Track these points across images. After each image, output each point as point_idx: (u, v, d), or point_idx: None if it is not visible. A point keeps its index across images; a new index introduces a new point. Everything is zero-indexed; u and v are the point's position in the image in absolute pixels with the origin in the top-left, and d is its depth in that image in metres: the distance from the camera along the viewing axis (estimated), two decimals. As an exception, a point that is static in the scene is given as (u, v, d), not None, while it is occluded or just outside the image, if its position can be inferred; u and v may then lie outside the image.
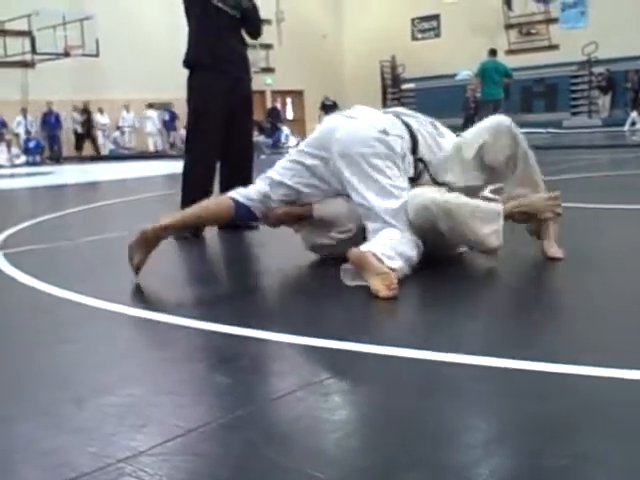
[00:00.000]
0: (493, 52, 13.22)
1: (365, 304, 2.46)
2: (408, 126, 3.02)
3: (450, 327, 2.15)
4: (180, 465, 1.34)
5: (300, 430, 1.48)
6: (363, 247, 2.62)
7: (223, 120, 4.27)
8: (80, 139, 21.63)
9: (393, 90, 27.52)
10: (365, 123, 2.96)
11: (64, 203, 8.00)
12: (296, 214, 3.09)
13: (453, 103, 20.75)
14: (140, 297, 2.78)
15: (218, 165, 4.42)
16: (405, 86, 26.96)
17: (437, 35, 27.10)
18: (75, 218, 6.08)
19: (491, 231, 2.79)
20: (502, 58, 23.88)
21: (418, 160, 2.99)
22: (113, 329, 2.37)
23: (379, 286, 2.45)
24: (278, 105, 24.88)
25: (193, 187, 4.24)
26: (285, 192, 3.05)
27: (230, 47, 4.33)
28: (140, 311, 2.47)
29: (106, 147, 22.32)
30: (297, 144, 19.17)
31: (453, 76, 22.80)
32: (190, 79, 4.38)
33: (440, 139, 3.08)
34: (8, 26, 19.42)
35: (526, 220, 2.98)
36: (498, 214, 2.81)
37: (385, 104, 27.13)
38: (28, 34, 19.19)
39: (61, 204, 7.82)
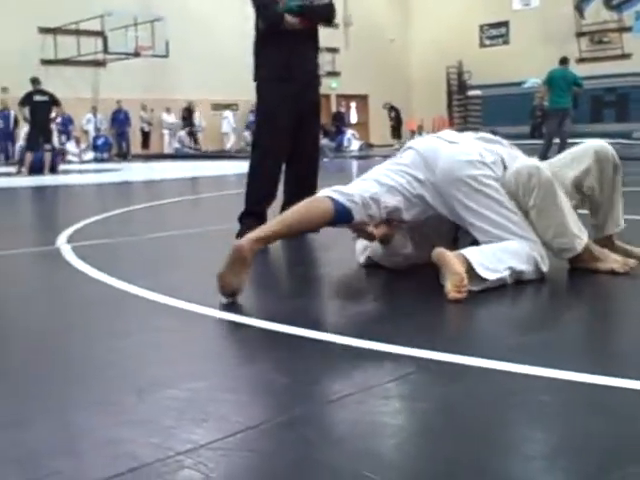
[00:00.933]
0: (565, 61, 12.98)
1: (431, 310, 2.44)
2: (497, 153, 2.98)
3: (515, 338, 2.12)
4: (238, 461, 1.35)
5: (358, 432, 1.47)
6: (464, 250, 2.63)
7: (291, 123, 4.30)
8: (147, 137, 22.05)
9: (459, 96, 27.26)
10: (468, 147, 2.90)
11: (131, 199, 8.16)
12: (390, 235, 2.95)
13: (520, 111, 20.47)
14: (204, 295, 2.81)
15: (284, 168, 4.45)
16: (471, 93, 26.68)
17: (506, 42, 26.76)
18: (141, 214, 6.19)
19: (579, 234, 2.76)
20: (573, 66, 23.40)
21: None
22: (177, 325, 2.40)
23: (449, 287, 2.46)
24: (342, 109, 24.94)
25: (257, 186, 4.30)
26: (395, 200, 2.82)
27: (300, 53, 4.34)
28: (204, 308, 2.49)
29: (172, 146, 22.70)
30: (360, 148, 18.94)
31: (521, 84, 22.49)
32: (258, 85, 4.43)
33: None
34: (82, 26, 19.93)
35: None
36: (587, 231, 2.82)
37: (450, 110, 26.94)
38: (101, 34, 19.65)
39: (128, 200, 7.99)
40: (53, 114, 13.78)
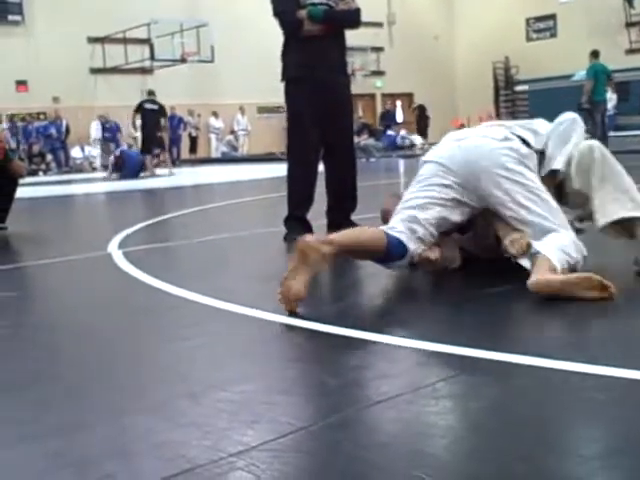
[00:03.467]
0: (597, 54, 12.93)
1: (477, 308, 2.42)
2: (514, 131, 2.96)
3: (566, 335, 2.09)
4: (290, 462, 1.36)
5: (408, 433, 1.47)
6: (545, 256, 2.53)
7: (318, 123, 4.31)
8: (194, 142, 22.29)
9: (506, 92, 26.96)
10: (482, 139, 2.87)
11: (179, 204, 8.26)
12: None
13: (568, 105, 20.11)
14: (255, 298, 2.83)
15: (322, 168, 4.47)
16: (518, 88, 26.36)
17: (553, 35, 26.37)
18: (190, 218, 6.27)
19: (621, 209, 2.72)
20: (622, 58, 23.07)
21: (538, 152, 2.91)
22: (228, 328, 2.43)
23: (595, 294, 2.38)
24: (389, 107, 24.83)
25: (294, 190, 4.35)
26: (435, 212, 2.79)
27: (323, 53, 4.33)
28: (254, 311, 2.51)
29: (219, 150, 22.92)
30: (423, 146, 18.44)
31: (569, 77, 22.13)
32: (285, 87, 4.46)
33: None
34: (129, 35, 20.27)
35: None
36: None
37: (497, 106, 26.64)
38: (147, 42, 19.96)
39: (176, 205, 8.09)
40: (162, 122, 15.36)
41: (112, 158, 15.46)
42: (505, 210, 2.75)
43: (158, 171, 15.22)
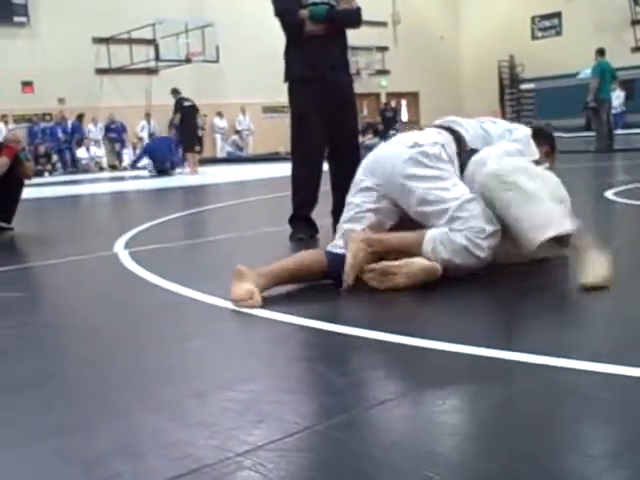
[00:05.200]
0: (603, 52, 12.87)
1: (485, 308, 2.41)
2: (452, 130, 3.05)
3: (573, 333, 2.09)
4: (297, 461, 1.36)
5: (416, 432, 1.47)
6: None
7: (322, 122, 4.30)
8: (200, 142, 22.29)
9: (511, 90, 26.92)
10: (395, 147, 2.98)
11: (186, 204, 8.27)
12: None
13: (574, 103, 20.06)
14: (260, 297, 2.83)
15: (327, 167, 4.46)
16: (524, 86, 26.30)
17: (558, 33, 26.29)
18: (197, 218, 6.27)
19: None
20: (628, 56, 23.00)
21: (472, 151, 3.01)
22: (234, 328, 2.43)
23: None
24: (393, 105, 24.80)
25: (301, 188, 4.35)
26: (366, 221, 2.93)
27: (325, 51, 4.33)
28: (261, 311, 2.51)
29: (224, 150, 22.92)
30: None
31: (575, 75, 22.08)
32: (289, 87, 4.46)
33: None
34: (134, 35, 20.28)
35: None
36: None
37: (503, 105, 26.60)
38: (152, 42, 19.97)
39: (183, 205, 8.09)
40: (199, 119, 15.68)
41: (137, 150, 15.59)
42: (411, 212, 2.88)
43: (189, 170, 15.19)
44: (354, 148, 4.52)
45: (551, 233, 2.62)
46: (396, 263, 2.69)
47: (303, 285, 2.81)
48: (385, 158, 2.97)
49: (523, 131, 3.16)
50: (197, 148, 15.64)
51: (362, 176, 3.04)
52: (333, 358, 2.02)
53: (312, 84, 4.30)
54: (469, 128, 3.10)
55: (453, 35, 28.42)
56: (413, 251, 2.74)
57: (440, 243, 2.70)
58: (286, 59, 4.45)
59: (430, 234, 2.74)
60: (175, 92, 15.60)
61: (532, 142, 3.11)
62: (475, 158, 2.96)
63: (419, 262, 2.69)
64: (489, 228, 2.69)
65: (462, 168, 2.97)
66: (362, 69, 23.01)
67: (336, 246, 2.88)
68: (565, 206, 2.82)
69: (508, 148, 3.03)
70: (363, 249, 2.73)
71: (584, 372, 1.71)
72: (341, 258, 2.75)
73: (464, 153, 2.99)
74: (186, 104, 15.15)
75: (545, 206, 2.69)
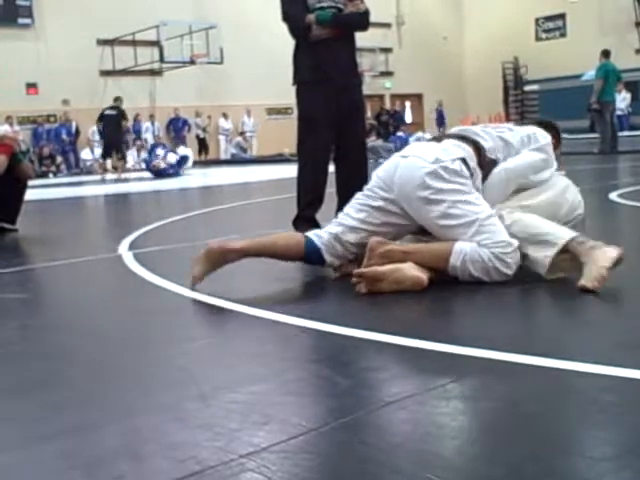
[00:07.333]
0: (608, 53, 12.83)
1: (488, 310, 2.41)
2: (471, 141, 2.99)
3: (575, 335, 2.08)
4: (301, 463, 1.36)
5: (420, 434, 1.47)
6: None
7: (331, 125, 4.31)
8: (203, 144, 22.33)
9: (515, 92, 26.90)
10: (416, 160, 2.90)
11: (190, 205, 8.27)
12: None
13: (578, 105, 20.02)
14: (264, 299, 2.83)
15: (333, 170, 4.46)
16: (528, 88, 26.28)
17: (563, 35, 26.28)
18: (201, 220, 6.27)
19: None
20: (633, 57, 22.96)
21: (492, 162, 2.99)
22: (238, 329, 2.43)
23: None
24: (397, 107, 24.76)
25: (306, 190, 4.35)
26: (358, 236, 2.95)
27: (334, 54, 4.33)
28: (264, 312, 2.51)
29: (228, 152, 22.93)
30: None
31: (579, 77, 22.06)
32: (298, 89, 4.46)
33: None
34: (138, 37, 20.32)
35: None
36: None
37: (507, 106, 26.58)
38: (157, 44, 20.01)
39: (187, 206, 8.10)
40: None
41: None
42: (438, 223, 2.82)
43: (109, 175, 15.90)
44: (361, 151, 4.52)
45: (554, 250, 2.65)
46: (385, 269, 2.70)
47: (307, 286, 2.81)
48: (405, 169, 2.89)
49: (544, 138, 3.11)
50: (118, 155, 16.09)
51: (373, 191, 2.97)
52: (337, 360, 2.01)
53: (321, 87, 4.30)
54: (487, 138, 3.05)
55: (457, 36, 28.41)
56: (434, 264, 2.75)
57: (470, 260, 2.68)
58: (295, 63, 4.45)
59: (458, 248, 2.70)
60: (116, 100, 15.86)
61: (551, 151, 3.11)
62: (497, 171, 2.97)
63: (408, 270, 2.69)
64: (515, 242, 2.69)
65: (484, 179, 2.95)
66: (366, 71, 23.00)
67: (321, 237, 2.95)
68: (577, 212, 2.98)
69: (532, 161, 3.01)
70: (379, 262, 2.74)
71: (587, 374, 1.71)
72: (318, 252, 2.92)
73: (486, 165, 2.96)
74: (107, 112, 15.45)
75: (544, 230, 2.73)
